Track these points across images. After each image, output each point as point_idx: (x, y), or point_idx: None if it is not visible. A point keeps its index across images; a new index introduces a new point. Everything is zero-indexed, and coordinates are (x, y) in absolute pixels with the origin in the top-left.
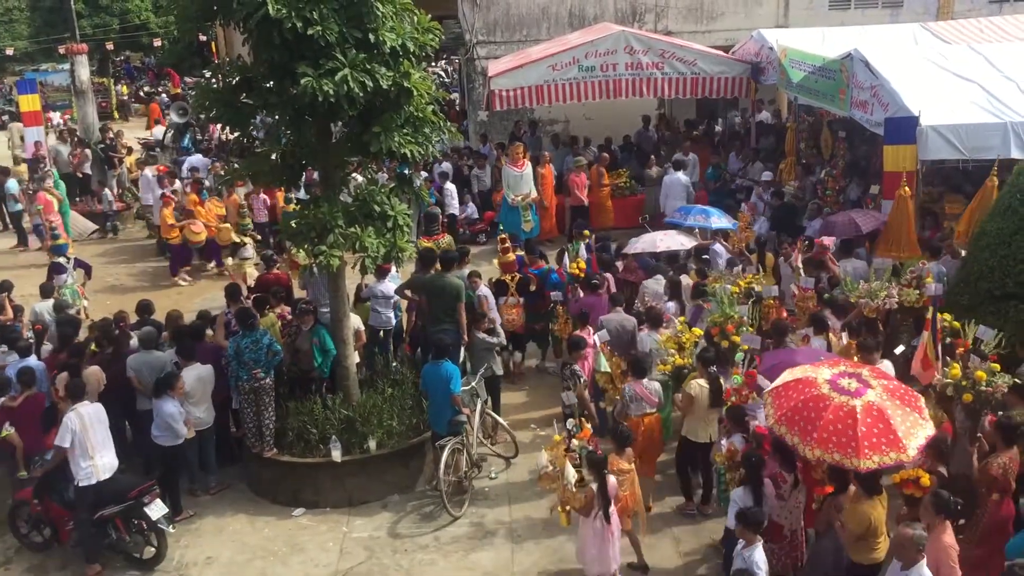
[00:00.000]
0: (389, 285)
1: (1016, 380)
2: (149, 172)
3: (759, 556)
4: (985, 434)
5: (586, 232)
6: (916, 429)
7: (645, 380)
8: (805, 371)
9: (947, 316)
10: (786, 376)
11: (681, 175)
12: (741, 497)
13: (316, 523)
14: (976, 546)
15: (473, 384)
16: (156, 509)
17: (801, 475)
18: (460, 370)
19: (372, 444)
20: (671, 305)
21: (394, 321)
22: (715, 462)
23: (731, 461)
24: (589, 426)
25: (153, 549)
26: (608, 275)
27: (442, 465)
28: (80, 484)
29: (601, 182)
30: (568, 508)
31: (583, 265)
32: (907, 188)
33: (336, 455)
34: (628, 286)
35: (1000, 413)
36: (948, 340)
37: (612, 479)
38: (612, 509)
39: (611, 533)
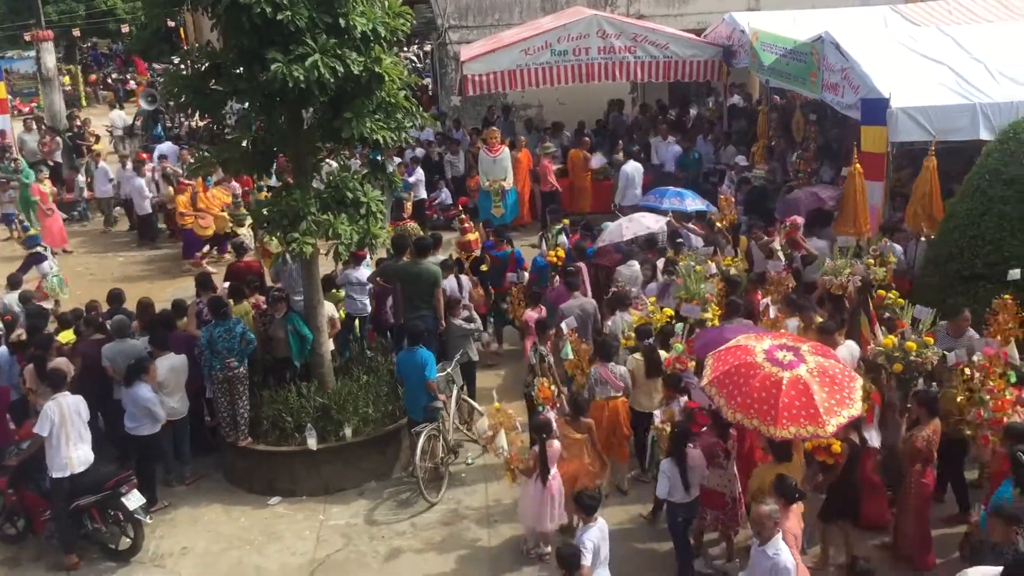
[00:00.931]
0: (364, 272)
1: (945, 353)
2: (104, 164)
3: (589, 536)
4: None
5: (565, 220)
6: (841, 408)
7: (611, 364)
8: (748, 339)
9: (894, 294)
10: (730, 343)
11: (633, 162)
12: (668, 467)
13: (292, 511)
14: (909, 520)
15: (449, 370)
16: (133, 499)
17: (735, 443)
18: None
19: (348, 431)
20: (652, 287)
21: (369, 308)
22: (653, 432)
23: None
24: (554, 388)
25: (129, 540)
26: (581, 264)
27: (418, 451)
28: (54, 475)
29: (588, 166)
30: (513, 467)
31: (562, 253)
32: (858, 166)
33: (312, 443)
34: (603, 271)
35: (922, 388)
36: (888, 315)
37: (555, 444)
38: (553, 472)
39: (551, 495)
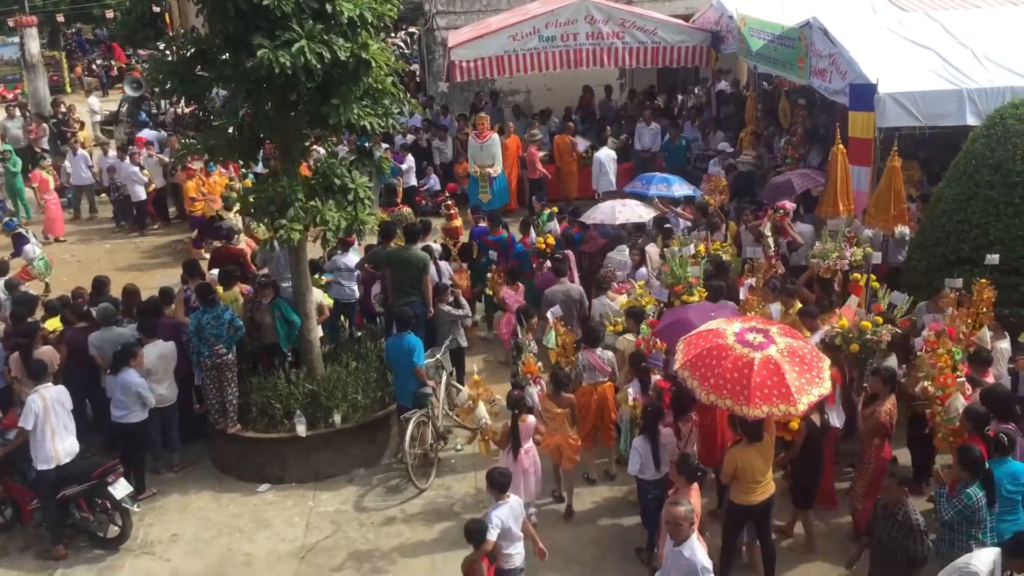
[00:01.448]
0: (352, 258)
1: (898, 331)
2: (83, 151)
3: (498, 513)
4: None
5: (554, 208)
6: (811, 387)
7: (599, 350)
8: (719, 323)
9: (871, 277)
10: (702, 327)
11: (606, 149)
12: (641, 445)
13: (282, 498)
14: (866, 496)
15: (438, 356)
16: (120, 488)
17: (696, 426)
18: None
19: (337, 418)
20: (642, 271)
21: (358, 294)
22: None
23: (632, 410)
24: (539, 364)
25: (117, 528)
26: (569, 252)
27: (407, 438)
28: (39, 467)
29: (574, 151)
30: (487, 439)
31: (551, 240)
32: (841, 147)
33: (301, 430)
34: (588, 257)
35: (883, 365)
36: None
37: (530, 419)
38: (527, 447)
39: (523, 468)
